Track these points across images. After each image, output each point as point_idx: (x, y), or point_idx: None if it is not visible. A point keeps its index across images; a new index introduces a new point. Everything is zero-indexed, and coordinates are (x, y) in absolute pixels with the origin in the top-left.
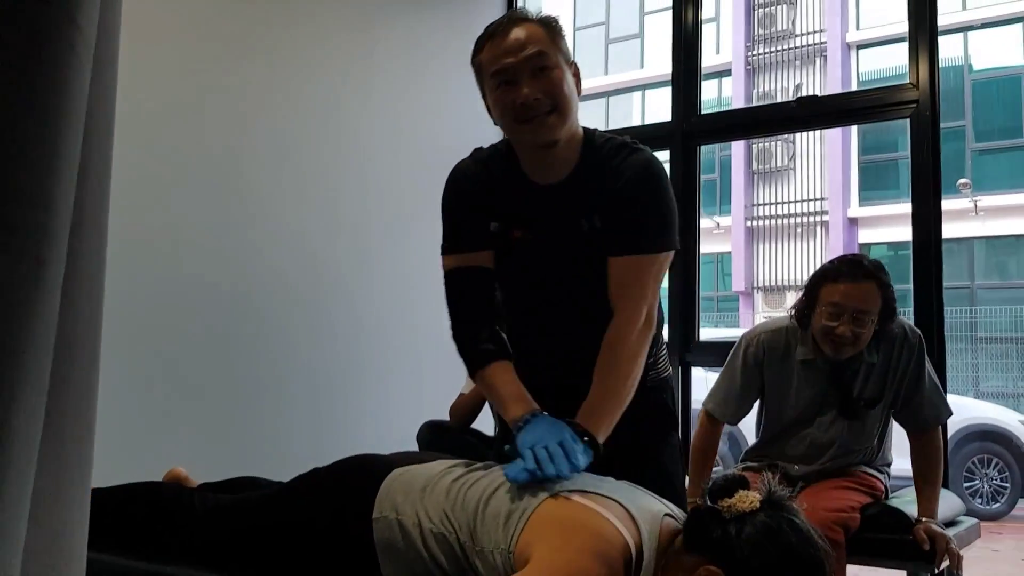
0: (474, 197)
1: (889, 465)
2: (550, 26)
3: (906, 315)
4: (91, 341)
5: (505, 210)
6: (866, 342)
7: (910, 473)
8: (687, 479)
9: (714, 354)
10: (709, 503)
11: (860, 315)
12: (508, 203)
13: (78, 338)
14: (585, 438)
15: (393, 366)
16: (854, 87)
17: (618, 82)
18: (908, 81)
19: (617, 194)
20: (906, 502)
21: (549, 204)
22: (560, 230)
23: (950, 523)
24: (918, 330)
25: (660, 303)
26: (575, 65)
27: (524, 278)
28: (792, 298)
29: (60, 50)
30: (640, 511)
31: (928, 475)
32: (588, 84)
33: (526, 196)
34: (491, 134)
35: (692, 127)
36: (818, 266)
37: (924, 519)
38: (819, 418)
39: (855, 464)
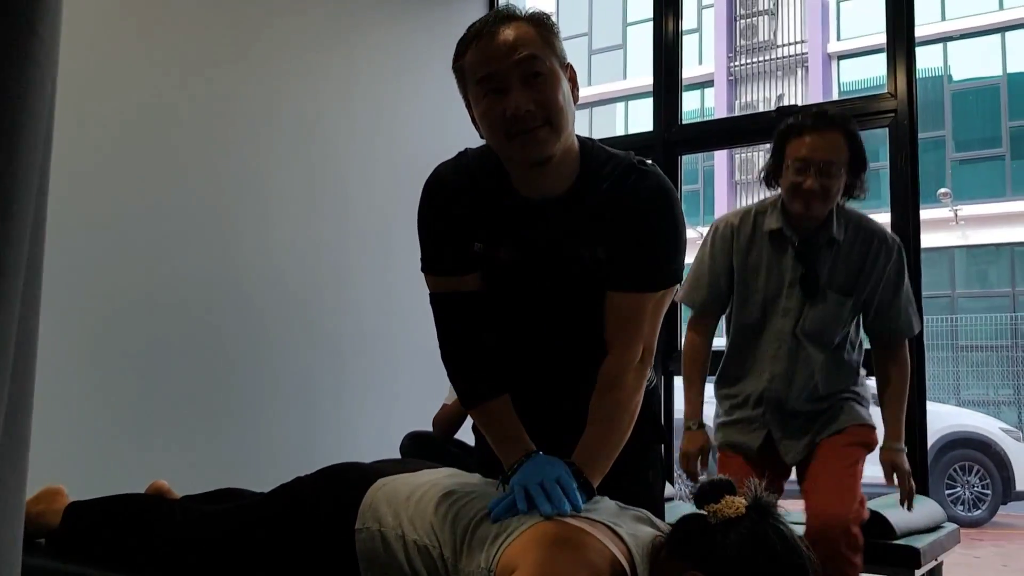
0: (455, 213)
1: (869, 399)
2: (543, 24)
3: None
4: (29, 353)
5: (491, 227)
6: (836, 197)
7: (883, 480)
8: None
9: None
10: (695, 508)
11: (827, 166)
12: (494, 220)
13: (20, 349)
14: (579, 477)
15: (376, 377)
16: (835, 97)
17: (601, 93)
18: (886, 91)
19: (627, 224)
20: (886, 506)
21: (542, 223)
22: (554, 253)
23: (931, 529)
24: (899, 239)
25: None
26: (571, 68)
27: (509, 302)
28: None
29: (20, 60)
30: (630, 534)
31: (895, 393)
32: None
33: (516, 213)
34: (476, 136)
35: (673, 136)
36: None
37: (891, 445)
38: (785, 302)
39: (839, 397)
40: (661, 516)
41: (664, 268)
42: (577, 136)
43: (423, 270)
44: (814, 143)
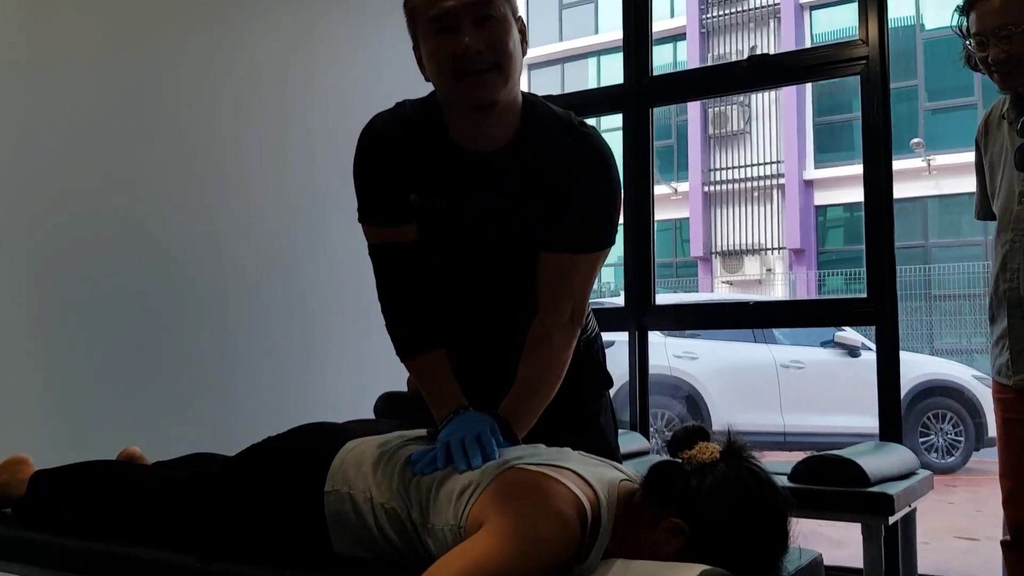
0: (391, 164)
1: None
2: None
3: (860, 276)
4: None
5: (427, 178)
6: None
7: (866, 429)
8: None
9: (671, 318)
10: (669, 456)
11: (1000, 30)
12: (431, 171)
13: None
14: (506, 431)
15: (350, 336)
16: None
17: (572, 48)
18: (858, 37)
19: (563, 184)
20: (859, 453)
21: (480, 175)
22: (491, 207)
23: (905, 476)
24: None
25: None
26: (522, 21)
27: (445, 253)
28: (750, 262)
29: None
30: (596, 477)
31: None
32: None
33: (453, 164)
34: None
35: (644, 89)
36: (774, 230)
37: None
38: (1017, 173)
39: None
40: (617, 458)
41: (597, 231)
42: (522, 91)
43: (360, 221)
44: (981, 14)
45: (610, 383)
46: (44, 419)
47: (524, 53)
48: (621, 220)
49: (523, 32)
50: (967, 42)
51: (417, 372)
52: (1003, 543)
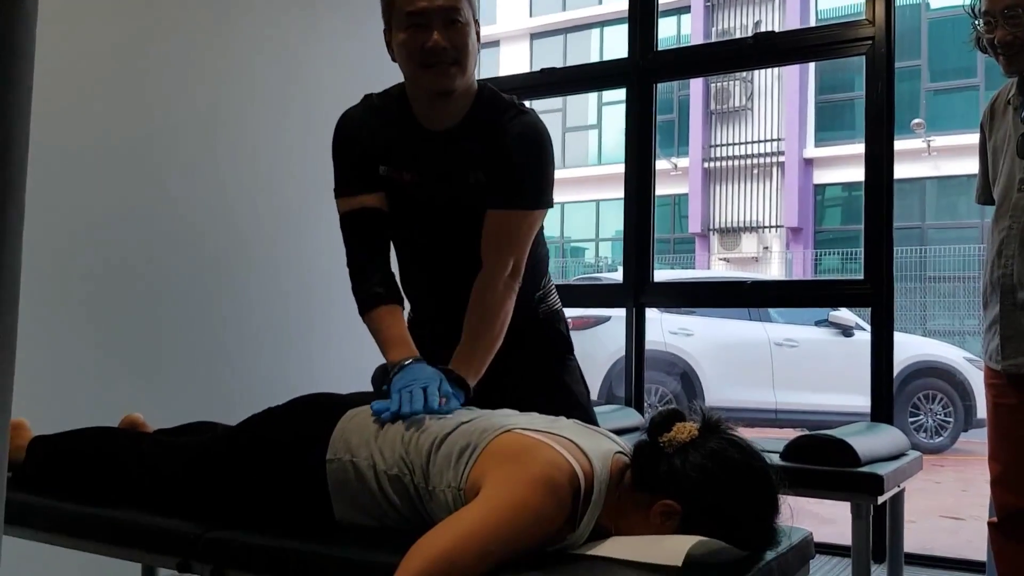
0: (362, 141)
1: None
2: None
3: (859, 256)
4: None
5: (394, 154)
6: None
7: (856, 408)
8: None
9: (668, 295)
10: (649, 440)
11: (1009, 11)
12: (397, 147)
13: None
14: (457, 380)
15: (347, 308)
16: (812, 24)
17: (576, 18)
18: (864, 17)
19: (501, 152)
20: (850, 433)
21: (437, 149)
22: (446, 176)
23: (895, 457)
24: None
25: (544, 242)
26: (478, 24)
27: (412, 221)
28: (747, 240)
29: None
30: (591, 447)
31: None
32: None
33: (416, 140)
34: (382, 79)
35: (648, 64)
36: (772, 208)
37: None
38: (1019, 160)
39: None
40: (591, 418)
41: (531, 191)
42: (478, 81)
43: (335, 196)
44: None
45: (570, 346)
46: (46, 385)
47: (478, 51)
48: (621, 195)
49: (479, 34)
50: (976, 22)
51: (373, 325)
52: (990, 524)
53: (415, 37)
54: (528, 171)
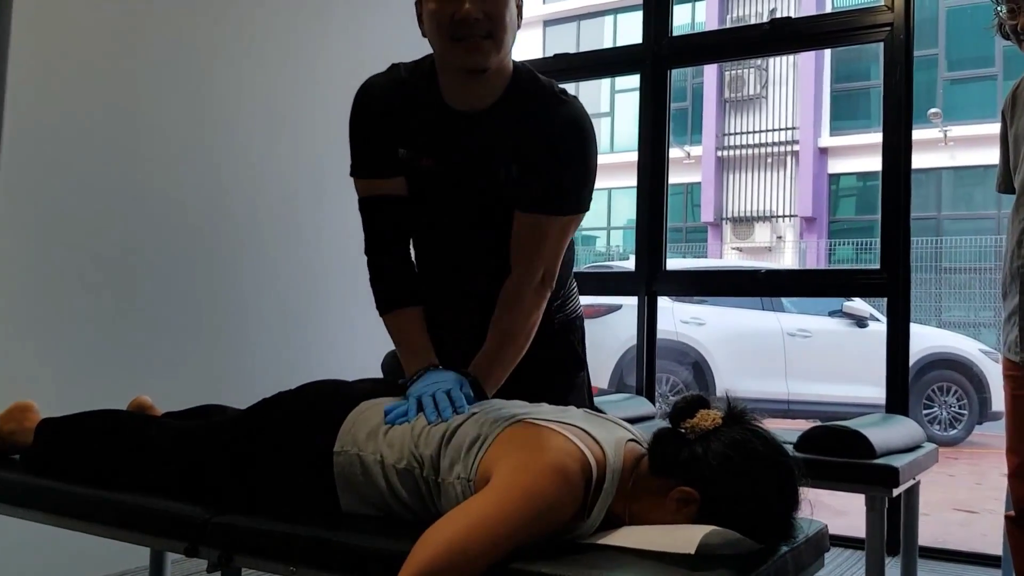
0: (383, 118)
1: None
2: None
3: (872, 246)
4: None
5: (416, 135)
6: None
7: (870, 399)
8: None
9: (680, 284)
10: (670, 426)
11: None
12: (420, 128)
13: None
14: (475, 387)
15: (360, 292)
16: (829, 10)
17: (589, 5)
18: (883, 4)
19: (541, 147)
20: (865, 424)
21: (465, 134)
22: (471, 166)
23: (910, 449)
24: None
25: (573, 243)
26: None
27: (432, 212)
28: (760, 229)
29: None
30: (604, 435)
31: None
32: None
33: (441, 122)
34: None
35: (663, 50)
36: (786, 197)
37: None
38: None
39: None
40: None
41: (569, 195)
42: (514, 60)
43: (351, 174)
44: None
45: (581, 364)
46: (55, 368)
47: (519, 26)
48: (633, 183)
49: (520, 7)
50: (998, 8)
51: (393, 327)
52: (1007, 517)
53: (445, 6)
54: (570, 173)
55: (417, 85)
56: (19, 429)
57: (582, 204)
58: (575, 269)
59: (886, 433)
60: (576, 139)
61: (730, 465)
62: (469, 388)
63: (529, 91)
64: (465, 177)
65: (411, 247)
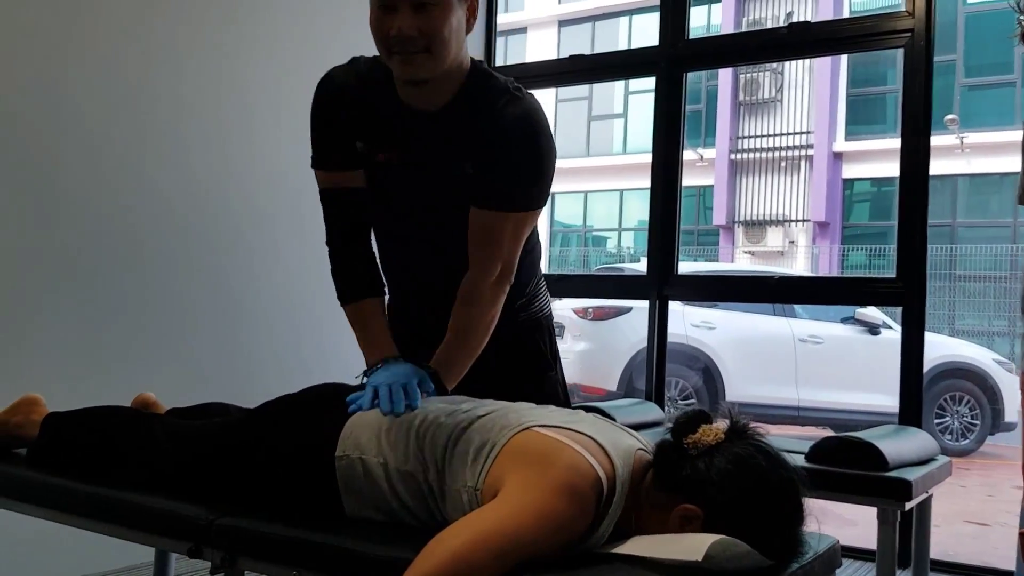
0: (341, 110)
1: None
2: None
3: (886, 252)
4: None
5: (374, 130)
6: None
7: (881, 408)
8: None
9: (693, 288)
10: (672, 441)
11: None
12: (378, 123)
13: None
14: (436, 381)
15: None
16: (846, 15)
17: (604, 6)
18: (904, 9)
19: (491, 144)
20: (878, 436)
21: (420, 132)
22: (426, 163)
23: (924, 462)
24: None
25: (538, 241)
26: (470, 1)
27: (386, 204)
28: (773, 233)
29: None
30: (613, 445)
31: None
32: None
33: (398, 119)
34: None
35: (679, 52)
36: (799, 201)
37: None
38: None
39: None
40: None
41: (523, 191)
42: (472, 59)
43: (312, 166)
44: None
45: (548, 364)
46: (60, 364)
47: (470, 28)
48: (645, 184)
49: (472, 10)
50: (1021, 17)
51: (353, 317)
52: (1021, 534)
53: (381, 21)
54: (521, 169)
55: (376, 80)
56: (26, 422)
57: (535, 200)
58: (590, 271)
59: (899, 445)
60: (527, 135)
61: (732, 482)
62: (430, 382)
63: (483, 89)
64: (420, 173)
65: (371, 240)
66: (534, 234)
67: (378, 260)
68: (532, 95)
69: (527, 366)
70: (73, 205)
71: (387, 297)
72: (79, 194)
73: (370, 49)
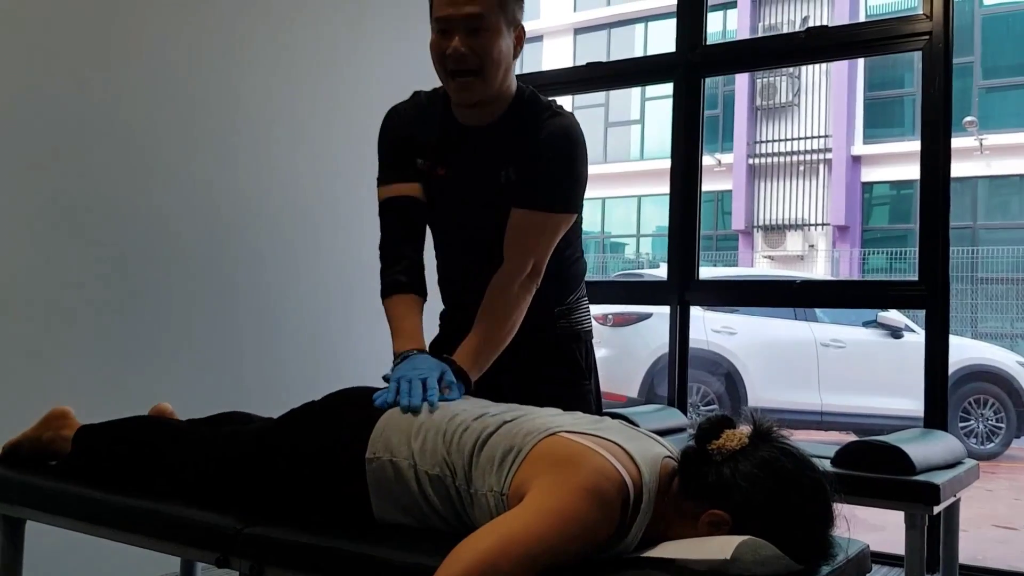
0: (403, 134)
1: None
2: None
3: (907, 255)
4: None
5: (431, 148)
6: None
7: (905, 412)
8: None
9: (714, 293)
10: (696, 447)
11: None
12: (435, 142)
13: None
14: (459, 374)
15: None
16: (862, 19)
17: (619, 13)
18: (921, 12)
19: (532, 150)
20: (905, 440)
21: (470, 145)
22: (477, 173)
23: (951, 465)
24: None
25: (582, 256)
26: (521, 28)
27: (444, 216)
28: (792, 238)
29: None
30: (640, 452)
31: None
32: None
33: (452, 135)
34: (428, 80)
35: (697, 58)
36: (818, 205)
37: None
38: None
39: None
40: None
41: (558, 192)
42: (519, 83)
43: (378, 183)
44: None
45: (583, 374)
46: (80, 375)
47: (517, 55)
48: (666, 190)
49: (519, 38)
50: None
51: (390, 311)
52: None
53: (439, 43)
54: (555, 172)
55: (434, 105)
56: (57, 437)
57: (571, 204)
58: (608, 277)
59: (926, 449)
60: (565, 144)
61: (758, 486)
62: (451, 375)
63: (529, 107)
64: (472, 183)
65: (422, 250)
66: (579, 247)
67: (439, 272)
68: (572, 114)
69: (561, 371)
70: (114, 210)
71: (441, 308)
72: (120, 199)
73: (417, 66)
